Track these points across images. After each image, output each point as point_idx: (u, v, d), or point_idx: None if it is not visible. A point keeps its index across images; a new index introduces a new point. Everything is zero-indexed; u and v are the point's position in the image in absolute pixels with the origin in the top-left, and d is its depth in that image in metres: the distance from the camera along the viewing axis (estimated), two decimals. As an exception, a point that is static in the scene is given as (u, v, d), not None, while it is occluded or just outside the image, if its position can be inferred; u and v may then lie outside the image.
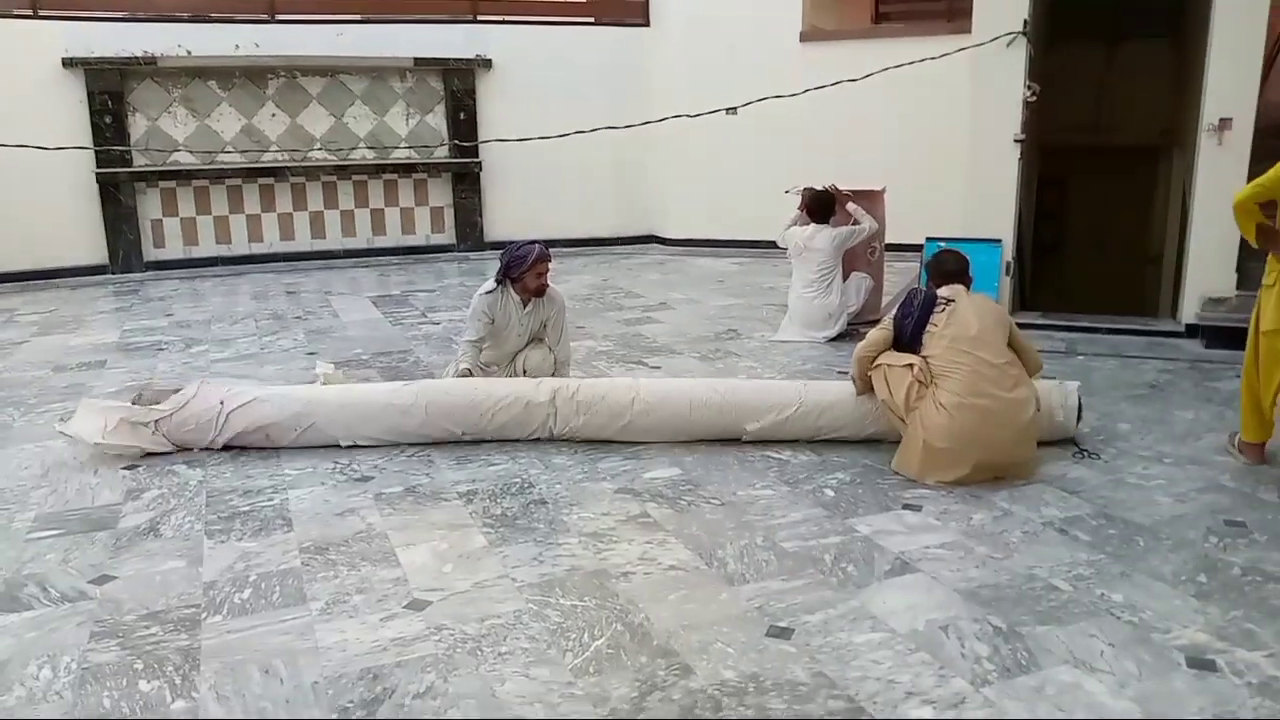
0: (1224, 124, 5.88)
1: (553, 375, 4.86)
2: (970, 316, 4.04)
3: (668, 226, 11.45)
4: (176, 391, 4.49)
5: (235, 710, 2.49)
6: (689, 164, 10.92)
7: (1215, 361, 5.75)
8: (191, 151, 9.97)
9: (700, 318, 7.45)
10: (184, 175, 9.95)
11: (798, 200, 6.86)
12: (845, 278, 6.66)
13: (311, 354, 6.39)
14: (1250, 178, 5.94)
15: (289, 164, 10.26)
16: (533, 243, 4.74)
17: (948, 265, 4.32)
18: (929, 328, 4.09)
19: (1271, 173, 3.98)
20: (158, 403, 4.43)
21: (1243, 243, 6.00)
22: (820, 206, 6.59)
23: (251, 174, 10.16)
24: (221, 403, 4.39)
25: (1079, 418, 4.34)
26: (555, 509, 3.75)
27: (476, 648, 2.76)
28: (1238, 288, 6.09)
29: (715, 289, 8.74)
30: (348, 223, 10.65)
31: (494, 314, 4.72)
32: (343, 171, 10.45)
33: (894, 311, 4.32)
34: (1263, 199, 4.01)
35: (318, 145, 10.39)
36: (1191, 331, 6.19)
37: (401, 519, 3.68)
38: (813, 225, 6.57)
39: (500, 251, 4.83)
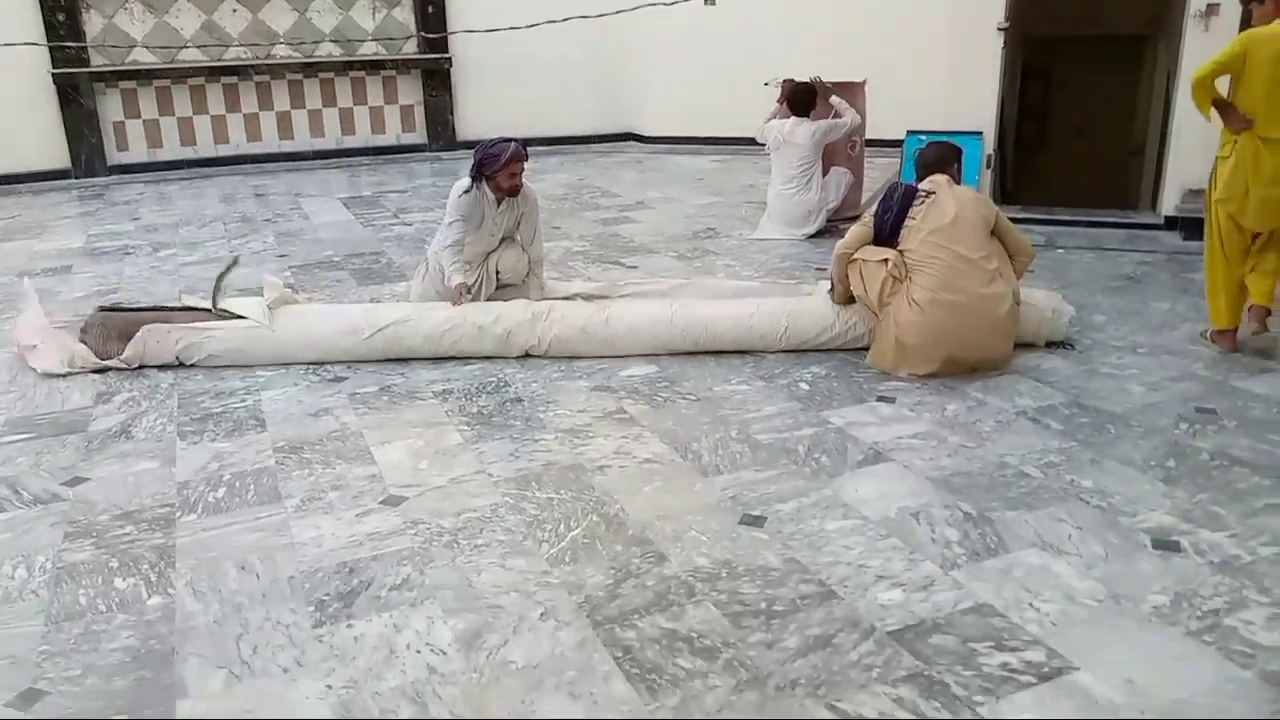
0: (1210, 10, 5.73)
1: (526, 276, 4.77)
2: (948, 209, 3.95)
3: (646, 124, 11.20)
4: (126, 338, 4.24)
5: (212, 605, 2.50)
6: (667, 60, 10.61)
7: (1193, 253, 5.71)
8: (150, 49, 9.60)
9: (679, 216, 7.35)
10: (144, 75, 9.59)
11: (777, 93, 6.70)
12: (825, 173, 6.56)
13: (282, 256, 6.28)
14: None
15: (252, 62, 9.90)
16: (507, 140, 4.58)
17: (927, 157, 4.24)
18: (907, 221, 4.01)
19: (1231, 49, 3.96)
20: (108, 352, 4.23)
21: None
22: (801, 99, 6.42)
23: (214, 73, 9.80)
24: (176, 343, 4.23)
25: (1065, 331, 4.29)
26: (531, 406, 3.74)
27: (453, 541, 2.77)
28: (1218, 179, 6.03)
29: (694, 187, 8.61)
30: (315, 123, 10.35)
31: (470, 213, 4.62)
32: (308, 69, 10.10)
33: (874, 207, 4.23)
34: (1221, 75, 3.99)
35: (281, 41, 10.02)
36: (1171, 224, 6.16)
37: (376, 418, 3.66)
38: (793, 119, 6.42)
39: (474, 149, 4.65)
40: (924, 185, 4.11)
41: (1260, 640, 2.25)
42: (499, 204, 4.63)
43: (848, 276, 4.14)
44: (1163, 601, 2.41)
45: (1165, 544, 2.67)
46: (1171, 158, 6.15)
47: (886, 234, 4.07)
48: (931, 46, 7.04)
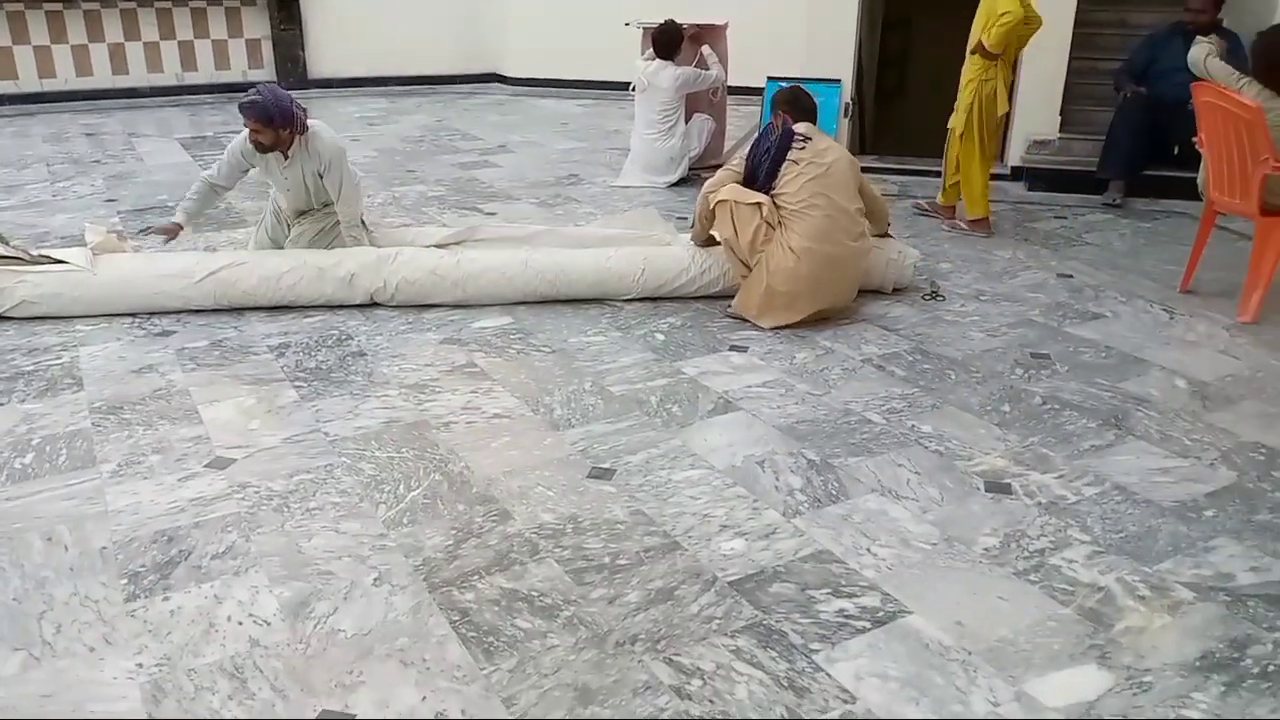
0: (1055, -38, 5.89)
1: (332, 243, 4.33)
2: (826, 156, 3.89)
3: (510, 65, 10.88)
4: None
5: (12, 581, 2.30)
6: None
7: (1035, 203, 5.96)
8: (-43, -30, 8.73)
9: (541, 162, 7.18)
10: (-48, -2, 8.73)
11: (639, 35, 6.57)
12: (688, 120, 6.49)
13: (111, 201, 5.84)
14: (1078, 24, 6.07)
15: (79, -13, 9.13)
16: (262, 94, 3.99)
17: (805, 102, 4.07)
18: (786, 164, 3.88)
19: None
20: None
21: (1066, 87, 6.16)
22: (665, 40, 6.28)
23: (34, -1, 9.01)
24: None
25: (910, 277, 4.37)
26: (374, 361, 3.59)
27: (283, 504, 2.63)
28: (1061, 130, 6.26)
29: (558, 131, 8.43)
30: (153, 56, 9.63)
31: (251, 161, 4.19)
32: (143, -2, 9.39)
33: (743, 150, 4.13)
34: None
35: (111, -35, 9.26)
36: (1016, 174, 6.37)
37: (205, 375, 3.44)
38: (657, 61, 6.31)
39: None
40: (801, 129, 3.95)
41: (1080, 578, 2.34)
42: (285, 158, 4.16)
43: (713, 216, 4.01)
44: (993, 543, 2.49)
45: (997, 487, 2.75)
46: (1019, 110, 6.32)
47: (762, 177, 3.93)
48: (792, -7, 7.03)
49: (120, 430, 3.04)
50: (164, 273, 4.00)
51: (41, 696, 1.96)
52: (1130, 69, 5.84)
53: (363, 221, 4.39)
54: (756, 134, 4.28)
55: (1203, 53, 4.26)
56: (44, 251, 4.08)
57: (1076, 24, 6.07)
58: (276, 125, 3.99)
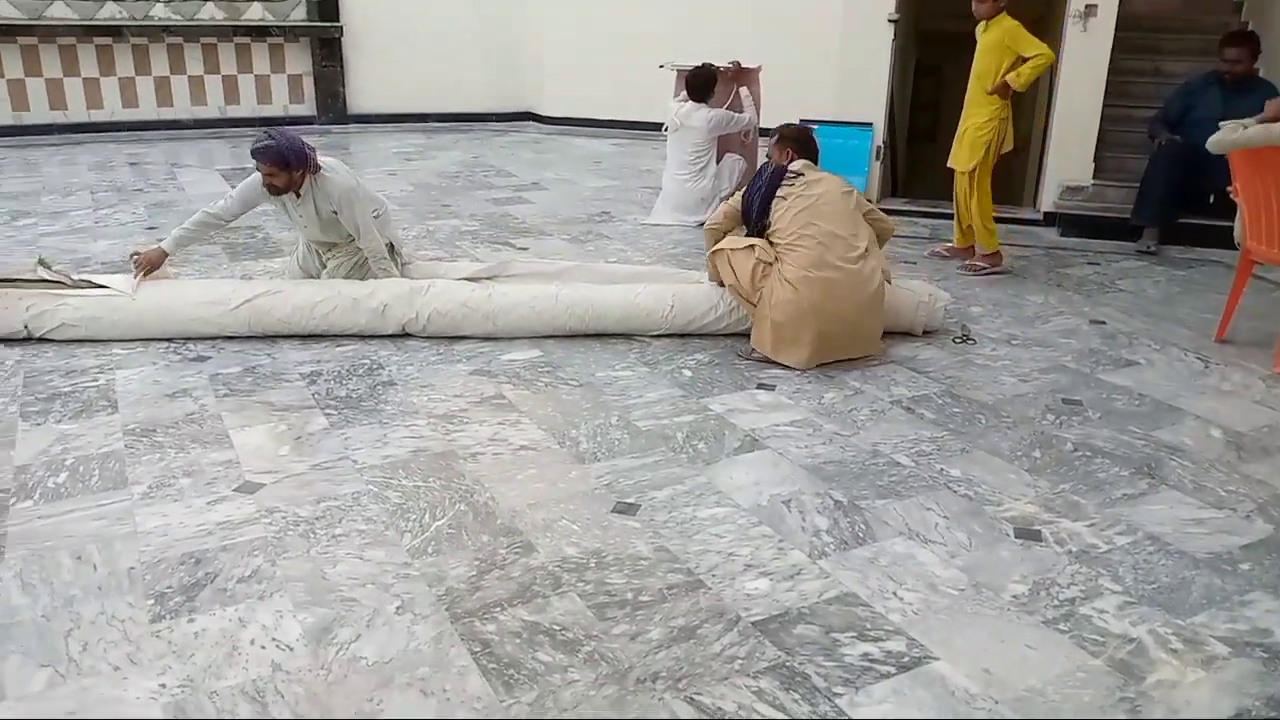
0: (1089, 11, 5.91)
1: (365, 275, 4.36)
2: (816, 188, 3.96)
3: (545, 104, 11.03)
4: None
5: (41, 598, 2.33)
6: (568, 41, 10.46)
7: (1068, 249, 5.93)
8: (13, 3, 8.99)
9: (573, 199, 7.25)
10: (6, 31, 8.98)
11: (672, 76, 6.65)
12: (719, 160, 6.54)
13: (151, 228, 5.95)
14: (1112, 72, 6.08)
15: (128, 22, 9.37)
16: (274, 139, 4.03)
17: (799, 136, 4.23)
18: (776, 199, 3.97)
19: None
20: None
21: (1100, 134, 6.16)
22: (699, 83, 6.36)
23: (87, 32, 9.24)
24: (26, 309, 3.95)
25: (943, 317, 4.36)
26: (405, 390, 3.61)
27: (309, 530, 2.64)
28: (1094, 176, 6.24)
29: (591, 170, 8.52)
30: (197, 90, 9.87)
31: (253, 196, 4.22)
32: (189, 33, 9.62)
33: (735, 203, 4.21)
34: None
35: (159, 1, 9.51)
36: (1049, 219, 6.35)
37: (238, 400, 3.48)
38: (690, 102, 6.37)
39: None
40: (794, 166, 4.07)
41: (1111, 628, 2.30)
42: (297, 196, 4.20)
43: (716, 259, 4.12)
44: (1022, 590, 2.45)
45: (1027, 533, 2.72)
46: (1052, 155, 6.33)
47: (755, 212, 4.02)
48: (826, 36, 7.08)
49: (152, 452, 3.07)
50: (201, 300, 4.06)
51: (66, 714, 1.97)
52: (1165, 117, 5.84)
53: (394, 251, 4.44)
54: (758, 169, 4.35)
55: (1225, 135, 4.14)
56: (86, 276, 4.16)
57: (1111, 71, 6.08)
58: (291, 168, 4.05)
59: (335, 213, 4.22)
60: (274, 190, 4.13)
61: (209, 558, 2.50)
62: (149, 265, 4.18)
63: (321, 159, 4.19)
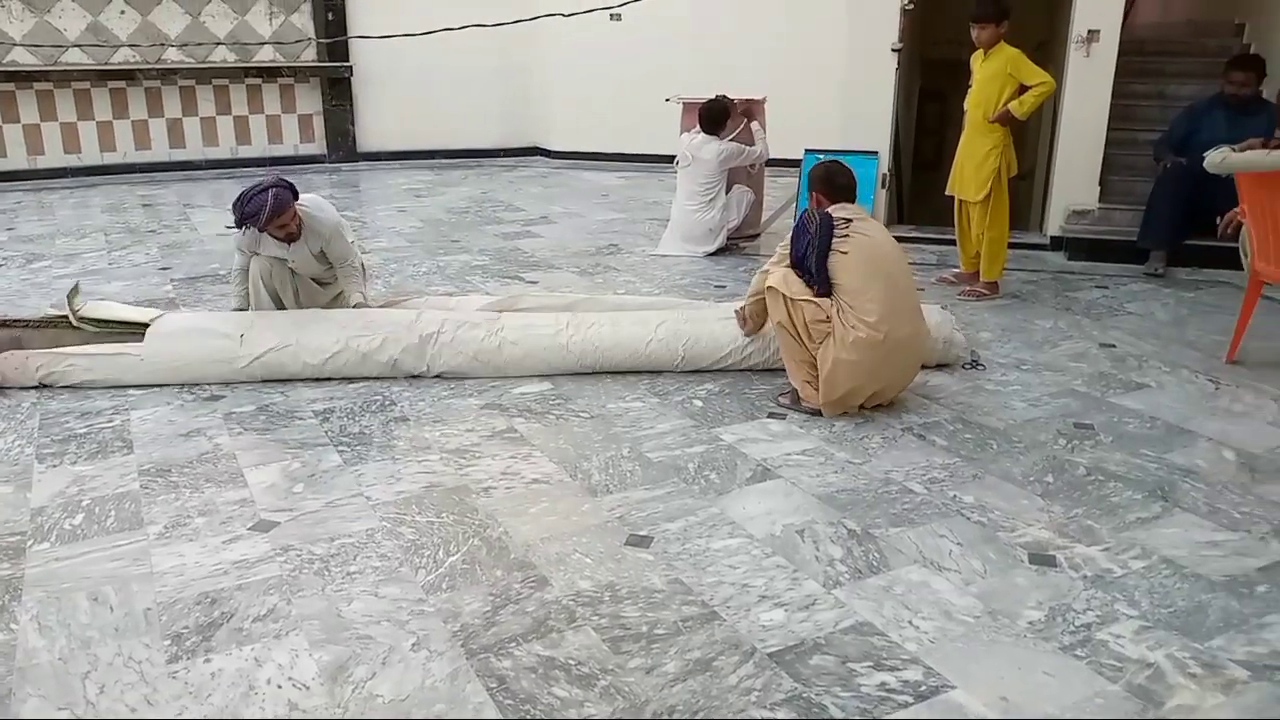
0: (1091, 36, 5.96)
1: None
2: (874, 236, 3.67)
3: (553, 139, 11.15)
4: None
5: (58, 640, 2.34)
6: (575, 76, 10.58)
7: (1076, 273, 5.94)
8: (30, 49, 9.15)
9: (582, 232, 7.30)
10: (23, 77, 9.14)
11: (678, 110, 6.71)
12: (728, 191, 6.59)
13: (164, 269, 6.02)
14: (1116, 96, 6.13)
15: (141, 66, 9.54)
16: (265, 190, 3.99)
17: (840, 179, 3.82)
18: (832, 254, 3.60)
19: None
20: None
21: (1105, 158, 6.19)
22: (712, 116, 6.41)
23: (101, 77, 9.41)
24: (37, 370, 3.98)
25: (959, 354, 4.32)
26: (417, 426, 3.63)
27: (324, 568, 2.65)
28: (1100, 200, 6.26)
29: (599, 203, 8.58)
30: (209, 131, 10.01)
31: (253, 249, 4.26)
32: (201, 75, 9.77)
33: (786, 247, 3.78)
34: None
35: (172, 44, 9.67)
36: (1056, 244, 6.36)
37: (252, 439, 3.51)
38: (702, 135, 6.42)
39: (235, 200, 4.11)
40: (841, 212, 3.70)
41: (1129, 653, 2.29)
42: (287, 241, 4.22)
43: (762, 319, 3.95)
44: (1038, 616, 2.44)
45: (1042, 559, 2.71)
46: (1057, 179, 6.36)
47: (814, 270, 3.62)
48: (830, 66, 7.16)
49: (167, 492, 3.09)
50: (209, 358, 4.02)
51: (83, 757, 1.98)
52: (1170, 140, 5.86)
53: (364, 270, 4.49)
54: (795, 221, 4.01)
55: (1218, 157, 4.17)
56: (96, 313, 4.19)
57: (1115, 95, 6.11)
58: (293, 205, 4.08)
59: (323, 250, 4.26)
60: (291, 238, 4.17)
61: (225, 597, 2.52)
62: None
63: (305, 196, 4.24)
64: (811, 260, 3.62)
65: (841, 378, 3.60)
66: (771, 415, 3.72)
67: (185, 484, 3.15)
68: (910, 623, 2.41)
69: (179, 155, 9.92)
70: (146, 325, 4.11)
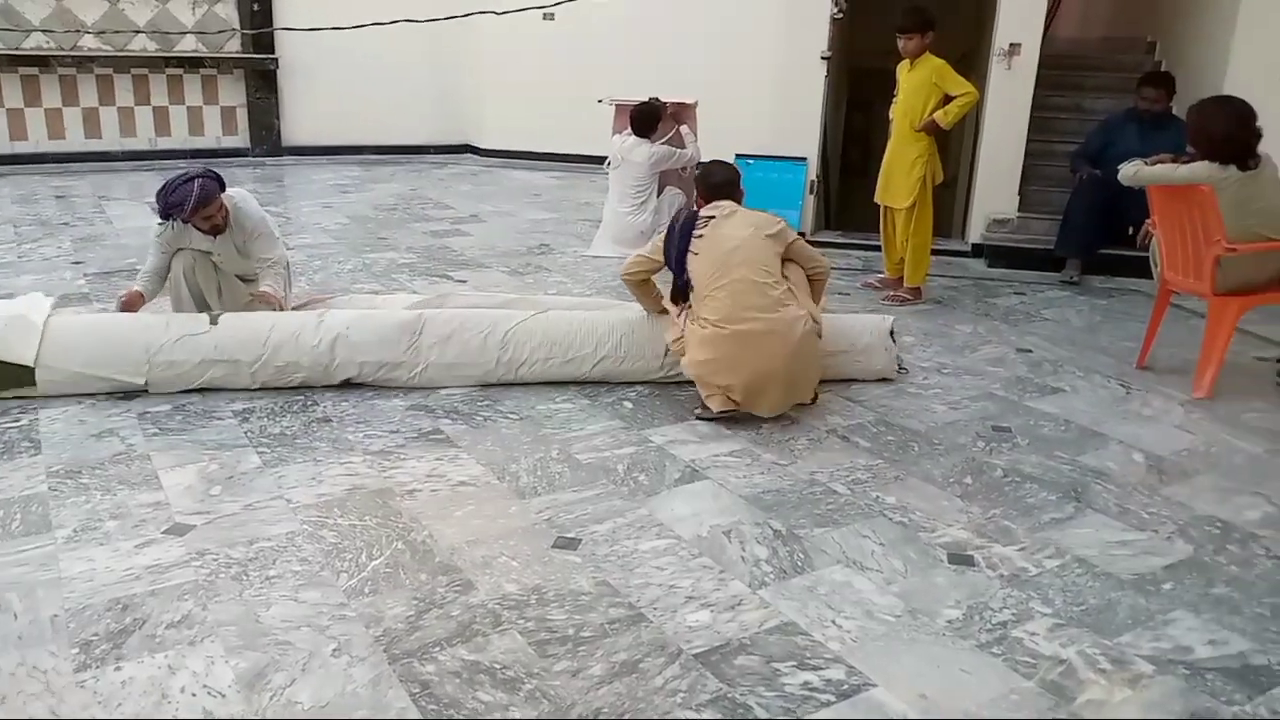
0: (1013, 49, 6.13)
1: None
2: (730, 233, 3.68)
3: (484, 137, 11.05)
4: None
5: (-43, 651, 2.24)
6: (507, 73, 10.50)
7: (995, 280, 6.10)
8: (-66, 33, 8.78)
9: (512, 231, 7.26)
10: (-74, 61, 8.76)
11: (610, 111, 6.72)
12: (660, 193, 6.61)
13: (77, 263, 5.82)
14: (1035, 108, 6.30)
15: (55, 52, 9.19)
16: (191, 180, 3.90)
17: (714, 178, 3.88)
18: (690, 251, 3.73)
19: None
20: None
21: (1024, 168, 6.37)
22: (644, 118, 6.43)
23: (11, 62, 9.06)
24: None
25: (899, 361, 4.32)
26: (340, 427, 3.57)
27: (242, 573, 2.58)
28: (1019, 209, 6.44)
29: (530, 202, 8.54)
30: (127, 121, 9.69)
31: (178, 244, 4.14)
32: (120, 64, 9.46)
33: (661, 239, 3.92)
34: None
35: (89, 31, 9.34)
36: (977, 251, 6.53)
37: (167, 440, 3.40)
38: (633, 137, 6.43)
39: (159, 190, 4.02)
40: (706, 210, 3.80)
41: (1043, 650, 2.35)
42: (213, 235, 4.12)
43: (646, 293, 4.06)
44: (956, 615, 2.49)
45: (960, 559, 2.77)
46: (979, 189, 6.52)
47: (675, 267, 3.79)
48: (760, 71, 7.23)
49: (78, 495, 2.99)
50: (114, 375, 3.76)
51: (-17, 771, 1.90)
52: (1085, 152, 6.05)
53: (288, 267, 4.41)
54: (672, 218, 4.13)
55: (1130, 170, 4.26)
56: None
57: (1034, 107, 6.30)
58: (219, 196, 4.00)
59: (247, 245, 4.16)
60: (216, 230, 4.05)
61: (137, 603, 2.44)
62: (127, 308, 4.01)
63: (231, 190, 4.14)
64: (672, 258, 3.80)
65: (707, 376, 3.66)
66: (701, 417, 3.74)
67: (96, 486, 3.04)
68: (833, 622, 2.44)
69: (95, 146, 9.59)
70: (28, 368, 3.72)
